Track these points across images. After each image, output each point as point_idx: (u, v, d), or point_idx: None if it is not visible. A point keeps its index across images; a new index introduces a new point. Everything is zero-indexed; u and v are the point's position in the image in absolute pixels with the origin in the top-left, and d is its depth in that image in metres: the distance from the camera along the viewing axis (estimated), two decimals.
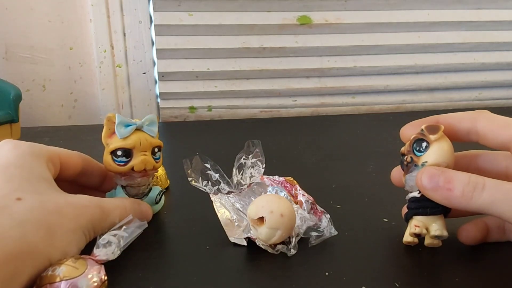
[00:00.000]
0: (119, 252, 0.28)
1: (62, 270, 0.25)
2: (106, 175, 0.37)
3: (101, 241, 0.28)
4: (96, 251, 0.27)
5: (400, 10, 0.70)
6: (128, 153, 0.33)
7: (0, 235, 0.24)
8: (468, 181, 0.28)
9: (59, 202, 0.28)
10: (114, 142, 0.33)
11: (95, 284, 0.25)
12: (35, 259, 0.25)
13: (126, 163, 0.33)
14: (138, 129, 0.34)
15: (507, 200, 0.27)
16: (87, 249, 0.28)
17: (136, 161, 0.33)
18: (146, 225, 0.30)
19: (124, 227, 0.29)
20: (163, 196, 0.39)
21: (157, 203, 0.37)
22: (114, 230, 0.29)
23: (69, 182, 0.35)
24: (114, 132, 0.34)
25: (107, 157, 0.34)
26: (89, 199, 0.30)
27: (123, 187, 0.35)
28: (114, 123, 0.33)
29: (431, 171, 0.29)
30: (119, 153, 0.33)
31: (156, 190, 0.37)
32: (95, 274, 0.26)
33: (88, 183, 0.36)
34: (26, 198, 0.27)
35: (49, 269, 0.25)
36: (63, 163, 0.33)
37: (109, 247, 0.27)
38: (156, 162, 0.35)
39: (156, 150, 0.35)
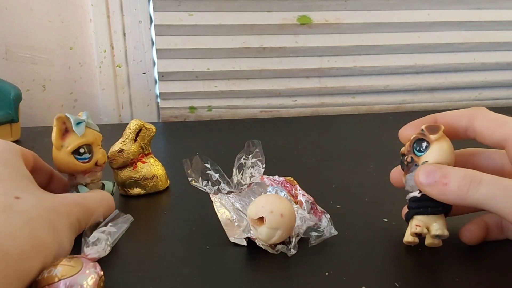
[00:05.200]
0: (109, 248, 0.28)
1: (59, 270, 0.25)
2: (53, 175, 0.36)
3: (91, 239, 0.28)
4: (86, 249, 0.27)
5: (400, 10, 0.70)
6: (89, 149, 0.34)
7: (12, 234, 0.24)
8: (463, 175, 0.28)
9: (52, 200, 0.29)
10: (74, 141, 0.34)
11: (94, 279, 0.25)
12: (44, 255, 0.25)
13: (90, 159, 0.34)
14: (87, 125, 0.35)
15: (505, 196, 0.27)
16: (76, 250, 0.28)
17: (99, 154, 0.35)
18: (133, 219, 0.30)
19: (110, 223, 0.29)
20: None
21: (113, 194, 0.38)
22: (101, 227, 0.29)
23: None
24: (65, 133, 0.34)
25: (67, 158, 0.34)
26: (73, 198, 0.31)
27: (86, 185, 0.36)
28: (65, 123, 0.34)
29: (429, 168, 0.29)
30: (82, 150, 0.34)
31: (109, 183, 0.38)
32: (92, 270, 0.26)
33: (37, 181, 0.36)
34: (24, 197, 0.27)
35: (45, 272, 0.25)
36: (25, 161, 0.33)
37: (99, 245, 0.28)
38: None
39: (100, 143, 0.36)
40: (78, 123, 0.34)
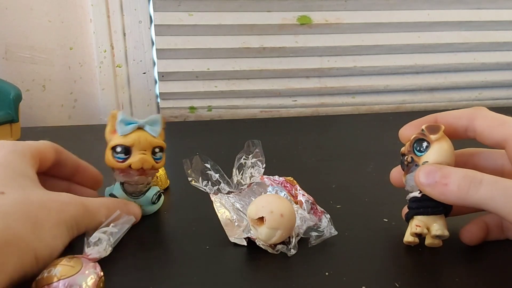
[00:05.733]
0: (110, 248, 0.28)
1: (59, 270, 0.25)
2: (79, 166, 0.37)
3: (92, 239, 0.28)
4: (87, 250, 0.27)
5: (400, 10, 0.70)
6: (127, 150, 0.34)
7: None
8: (464, 176, 0.28)
9: (43, 197, 0.29)
10: (115, 139, 0.34)
11: (93, 280, 0.25)
12: (20, 250, 0.25)
13: (125, 160, 0.34)
14: (140, 128, 0.34)
15: (505, 197, 0.27)
16: (78, 251, 0.28)
17: (134, 159, 0.34)
18: (134, 219, 0.30)
19: (112, 223, 0.29)
20: (163, 197, 0.39)
21: (154, 203, 0.37)
22: (102, 227, 0.29)
23: (42, 174, 0.34)
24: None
25: (107, 152, 0.34)
26: (72, 197, 0.31)
27: (121, 183, 0.36)
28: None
29: (429, 168, 0.29)
30: (118, 149, 0.33)
31: (153, 190, 0.37)
32: (92, 271, 0.26)
33: (60, 174, 0.36)
34: (9, 193, 0.27)
35: (45, 271, 0.25)
36: (41, 158, 0.33)
37: (100, 245, 0.28)
38: (157, 163, 0.35)
39: (157, 150, 0.35)
40: (128, 123, 0.34)
